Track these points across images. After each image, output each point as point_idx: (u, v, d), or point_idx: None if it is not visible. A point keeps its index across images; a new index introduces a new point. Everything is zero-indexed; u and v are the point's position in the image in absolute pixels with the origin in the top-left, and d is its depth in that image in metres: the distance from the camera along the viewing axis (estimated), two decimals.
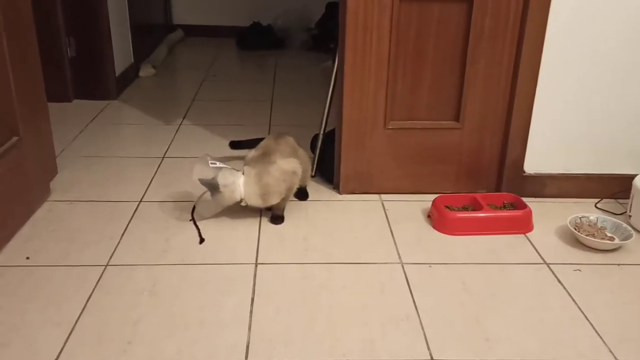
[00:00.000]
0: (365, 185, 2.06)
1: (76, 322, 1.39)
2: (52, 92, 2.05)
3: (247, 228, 1.83)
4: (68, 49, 2.89)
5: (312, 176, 2.19)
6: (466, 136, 2.00)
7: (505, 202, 1.94)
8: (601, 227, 1.83)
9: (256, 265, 1.64)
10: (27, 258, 1.63)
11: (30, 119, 1.83)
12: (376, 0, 1.81)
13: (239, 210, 1.93)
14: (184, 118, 2.81)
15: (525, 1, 1.83)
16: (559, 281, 1.62)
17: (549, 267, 1.68)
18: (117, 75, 3.10)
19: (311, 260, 1.68)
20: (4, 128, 1.70)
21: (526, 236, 1.84)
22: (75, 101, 2.97)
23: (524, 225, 1.85)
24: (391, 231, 1.84)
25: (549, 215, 1.94)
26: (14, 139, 1.74)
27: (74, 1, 2.84)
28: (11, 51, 1.70)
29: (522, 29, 1.86)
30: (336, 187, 2.09)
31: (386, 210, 1.97)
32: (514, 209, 1.90)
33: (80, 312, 1.43)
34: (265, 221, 1.88)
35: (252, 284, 1.56)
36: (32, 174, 1.86)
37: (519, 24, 1.86)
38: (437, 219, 1.86)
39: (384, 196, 2.06)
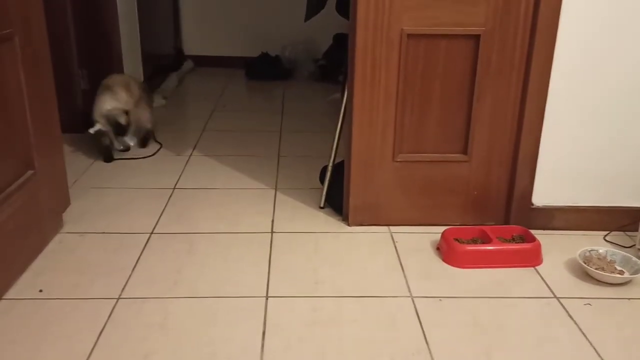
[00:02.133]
0: (374, 217, 2.07)
1: (88, 357, 1.40)
2: (64, 123, 2.09)
3: (257, 260, 1.85)
4: (81, 81, 2.95)
5: (321, 207, 2.21)
6: (474, 169, 2.02)
7: (514, 234, 1.95)
8: (610, 260, 1.83)
9: (267, 298, 1.65)
10: (40, 291, 1.65)
11: (45, 153, 1.86)
12: (384, 37, 1.85)
13: (249, 242, 1.95)
14: (194, 149, 2.84)
15: (531, 37, 1.87)
16: (569, 315, 1.61)
17: (558, 301, 1.68)
18: None
19: (321, 293, 1.69)
20: (20, 162, 1.74)
21: (535, 269, 1.84)
22: (87, 132, 3.01)
23: (533, 258, 1.86)
24: (400, 264, 1.85)
25: (558, 248, 1.95)
26: (29, 172, 1.78)
27: (88, 34, 2.91)
28: (28, 86, 1.74)
29: (528, 64, 1.89)
30: (345, 219, 2.11)
31: (395, 243, 1.98)
32: (523, 242, 1.91)
33: (92, 346, 1.44)
34: (275, 253, 1.89)
35: (262, 317, 1.57)
36: (46, 206, 1.89)
37: (526, 59, 1.89)
38: (447, 252, 1.87)
39: (392, 228, 2.07)
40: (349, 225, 2.08)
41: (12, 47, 1.66)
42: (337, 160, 2.20)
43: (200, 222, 2.09)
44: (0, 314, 1.55)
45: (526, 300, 1.69)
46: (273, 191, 2.36)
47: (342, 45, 4.07)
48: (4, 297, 1.61)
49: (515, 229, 1.97)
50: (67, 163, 2.09)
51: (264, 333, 1.50)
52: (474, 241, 1.92)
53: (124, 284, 1.70)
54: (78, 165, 2.57)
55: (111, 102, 2.55)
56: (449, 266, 1.84)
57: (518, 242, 1.92)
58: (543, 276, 1.80)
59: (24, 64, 1.72)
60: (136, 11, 3.33)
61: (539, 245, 1.87)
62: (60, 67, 2.66)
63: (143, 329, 1.51)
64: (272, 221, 2.11)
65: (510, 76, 1.91)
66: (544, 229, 2.05)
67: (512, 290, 1.73)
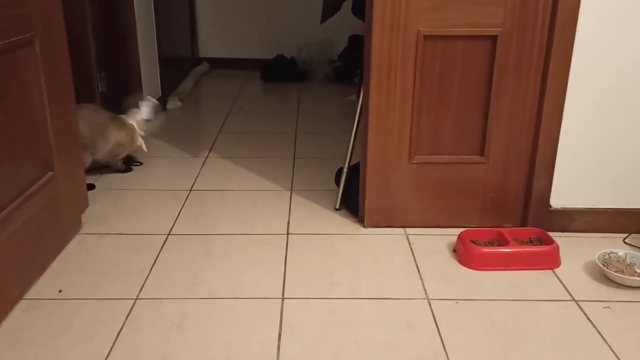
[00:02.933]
0: (390, 219, 2.07)
1: (107, 357, 1.41)
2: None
3: (272, 262, 1.85)
4: (99, 84, 2.98)
5: (336, 209, 2.21)
6: (491, 170, 2.01)
7: (531, 237, 1.93)
8: (630, 263, 1.81)
9: (283, 300, 1.66)
10: (60, 291, 1.67)
11: (64, 155, 1.88)
12: (401, 39, 1.85)
13: (265, 244, 1.96)
14: (210, 150, 2.86)
15: (549, 37, 1.85)
16: (588, 319, 1.60)
17: (577, 304, 1.66)
18: None
19: (337, 295, 1.69)
20: (40, 164, 1.76)
21: (554, 272, 1.82)
22: None
23: (551, 261, 1.84)
24: (417, 266, 1.84)
25: (577, 250, 1.93)
26: (49, 174, 1.80)
27: (106, 38, 2.94)
28: (49, 90, 1.77)
29: (546, 64, 1.88)
30: (361, 221, 2.10)
31: (411, 244, 1.97)
32: (541, 244, 1.89)
33: (111, 346, 1.45)
34: (290, 255, 1.90)
35: (279, 318, 1.58)
36: (65, 208, 1.91)
37: (544, 59, 1.88)
38: (463, 254, 1.86)
39: (408, 230, 2.06)
40: (364, 227, 2.08)
41: (33, 52, 1.69)
42: (353, 162, 2.19)
43: (216, 223, 2.11)
44: (21, 313, 1.57)
45: (544, 303, 1.67)
46: (289, 193, 2.37)
47: (357, 47, 4.08)
48: (24, 297, 1.64)
49: (533, 231, 1.96)
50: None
51: (279, 335, 1.51)
52: (491, 243, 1.91)
53: (141, 284, 1.71)
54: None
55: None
56: (466, 268, 1.83)
57: (536, 245, 1.90)
58: (561, 279, 1.78)
59: (45, 68, 1.74)
60: (153, 15, 3.36)
61: (557, 247, 1.85)
62: (79, 70, 2.69)
63: (161, 329, 1.52)
64: (288, 223, 2.11)
65: (528, 77, 1.90)
66: (562, 231, 2.03)
67: (530, 293, 1.71)
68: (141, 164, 2.62)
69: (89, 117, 2.37)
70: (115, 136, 2.45)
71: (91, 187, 2.34)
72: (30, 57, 1.68)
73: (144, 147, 2.56)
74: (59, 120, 1.84)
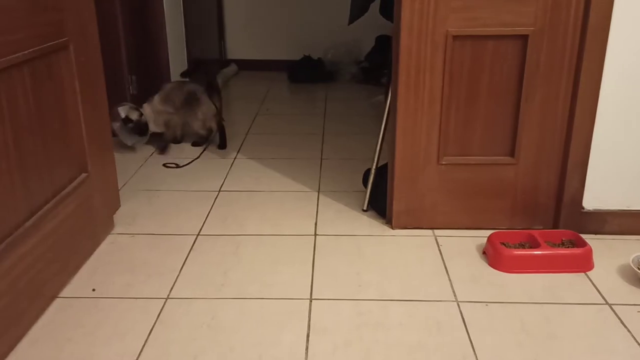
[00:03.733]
0: (418, 220, 2.06)
1: (139, 356, 1.44)
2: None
3: (300, 263, 1.86)
4: (130, 87, 3.03)
5: (364, 210, 2.21)
6: (521, 172, 1.98)
7: (563, 239, 1.90)
8: None
9: (311, 301, 1.66)
10: (93, 290, 1.71)
11: (97, 156, 1.92)
12: (429, 39, 1.84)
13: (293, 245, 1.97)
14: (238, 152, 2.88)
15: (582, 36, 1.82)
16: (622, 323, 1.56)
17: (611, 307, 1.63)
18: None
19: (366, 296, 1.69)
20: (74, 166, 1.80)
21: (586, 275, 1.79)
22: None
23: (584, 264, 1.81)
24: (445, 268, 1.83)
25: (610, 253, 1.89)
26: (83, 175, 1.84)
27: (137, 41, 3.00)
28: (82, 93, 1.81)
29: (579, 64, 1.85)
30: (389, 222, 2.10)
31: (440, 246, 1.96)
32: (573, 247, 1.86)
33: (142, 344, 1.48)
34: (318, 256, 1.90)
35: (307, 319, 1.58)
36: (98, 208, 1.95)
37: (576, 59, 1.85)
38: (493, 256, 1.84)
39: (437, 231, 2.05)
40: (392, 228, 2.07)
41: (68, 56, 1.73)
42: (381, 163, 2.19)
43: (245, 224, 2.12)
44: (56, 312, 1.61)
45: (577, 306, 1.64)
46: (316, 194, 2.38)
47: (384, 47, 4.07)
48: (59, 296, 1.68)
49: (565, 233, 1.92)
50: (117, 166, 2.15)
51: (308, 336, 1.51)
52: (522, 245, 1.88)
53: (172, 284, 1.74)
54: (127, 168, 2.64)
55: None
56: (496, 271, 1.81)
57: (568, 247, 1.87)
58: (594, 282, 1.75)
59: (79, 71, 1.78)
60: (182, 18, 3.41)
61: (590, 250, 1.82)
62: (111, 73, 2.74)
63: (191, 329, 1.54)
64: (315, 224, 2.12)
65: (560, 77, 1.87)
66: (595, 233, 1.99)
67: (561, 296, 1.69)
68: (177, 165, 2.67)
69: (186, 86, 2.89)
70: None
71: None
72: (65, 61, 1.72)
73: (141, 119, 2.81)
74: (92, 123, 1.88)
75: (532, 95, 1.89)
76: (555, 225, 2.03)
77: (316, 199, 2.33)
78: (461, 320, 1.58)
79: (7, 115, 1.44)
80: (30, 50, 1.53)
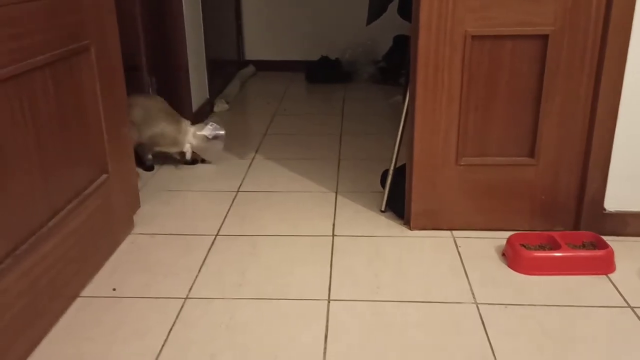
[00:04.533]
0: (437, 221, 2.05)
1: (158, 355, 1.45)
2: None
3: (318, 263, 1.86)
4: (150, 89, 3.06)
5: (382, 211, 2.20)
6: (541, 172, 1.96)
7: (584, 241, 1.88)
8: None
9: (329, 302, 1.66)
10: (114, 289, 1.73)
11: (117, 157, 1.95)
12: (448, 39, 1.83)
13: (310, 245, 1.97)
14: (256, 152, 2.90)
15: (603, 35, 1.79)
16: None
17: (633, 310, 1.61)
18: (193, 111, 3.24)
19: (383, 297, 1.68)
20: (95, 167, 1.83)
21: (608, 277, 1.76)
22: None
23: (605, 266, 1.78)
24: (464, 269, 1.82)
25: (632, 255, 1.86)
26: (104, 176, 1.86)
27: (156, 43, 3.02)
28: (103, 95, 1.83)
29: (600, 63, 1.82)
30: (407, 223, 2.09)
31: (458, 247, 1.95)
32: (595, 249, 1.83)
33: (162, 344, 1.49)
34: (336, 257, 1.90)
35: (325, 320, 1.58)
36: (118, 209, 1.97)
37: (597, 58, 1.82)
38: (513, 258, 1.82)
39: (455, 233, 2.04)
40: (410, 229, 2.07)
41: (89, 58, 1.75)
42: (399, 163, 2.18)
43: (263, 224, 2.13)
44: (77, 311, 1.64)
45: (598, 309, 1.62)
46: (334, 194, 2.38)
47: (402, 47, 4.05)
48: (80, 295, 1.70)
49: (585, 234, 1.90)
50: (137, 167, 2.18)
51: (326, 337, 1.52)
52: (542, 247, 1.86)
53: (191, 284, 1.75)
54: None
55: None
56: (515, 273, 1.79)
57: (589, 249, 1.84)
58: (616, 284, 1.73)
59: (100, 74, 1.81)
60: (201, 20, 3.43)
61: (612, 252, 1.79)
62: (131, 75, 2.77)
63: (210, 328, 1.55)
64: (333, 224, 2.12)
65: (581, 76, 1.84)
66: (616, 235, 1.96)
67: (582, 298, 1.67)
68: (206, 162, 2.75)
69: (144, 102, 2.64)
70: (162, 126, 2.61)
71: (150, 168, 2.66)
72: (86, 63, 1.75)
73: (188, 154, 2.67)
74: (112, 124, 1.90)
75: (552, 95, 1.87)
76: (575, 227, 2.00)
77: (334, 200, 2.33)
78: (480, 322, 1.57)
79: (29, 117, 1.46)
80: (51, 53, 1.55)
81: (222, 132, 2.68)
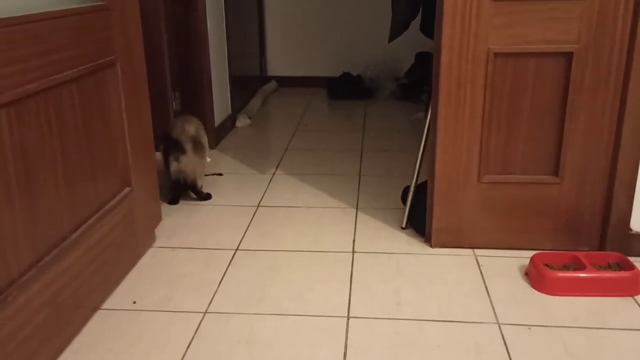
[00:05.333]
0: (458, 239, 2.03)
1: None
2: (156, 142, 2.20)
3: (338, 280, 1.85)
4: (173, 103, 3.11)
5: (402, 228, 2.19)
6: (565, 191, 1.93)
7: (610, 261, 1.84)
8: None
9: (348, 319, 1.65)
10: (134, 302, 1.74)
11: (140, 171, 1.97)
12: (470, 57, 1.82)
13: (330, 261, 1.96)
14: (277, 167, 2.91)
15: (629, 53, 1.77)
16: None
17: None
18: (215, 126, 3.28)
19: (403, 315, 1.66)
20: (119, 180, 1.85)
21: (634, 299, 1.72)
22: None
23: (631, 288, 1.74)
24: (486, 288, 1.79)
25: None
26: (127, 189, 1.89)
27: (181, 59, 3.07)
28: (128, 109, 1.86)
29: (626, 81, 1.80)
30: (428, 240, 2.07)
31: (480, 266, 1.92)
32: (620, 270, 1.79)
33: (181, 358, 1.49)
34: (356, 273, 1.89)
35: (344, 337, 1.57)
36: (140, 222, 1.99)
37: (622, 76, 1.80)
38: (536, 278, 1.79)
39: (477, 251, 2.01)
40: (431, 246, 2.05)
41: (115, 73, 1.79)
42: (420, 180, 2.17)
43: (283, 239, 2.13)
44: (98, 323, 1.65)
45: (624, 332, 1.58)
46: (354, 210, 2.37)
47: (424, 64, 4.05)
48: (101, 307, 1.72)
49: (611, 255, 1.86)
50: (159, 180, 2.20)
51: (345, 354, 1.50)
52: (566, 267, 1.83)
53: (210, 298, 1.76)
54: (168, 183, 2.69)
55: None
56: (539, 293, 1.76)
57: (615, 270, 1.80)
58: None
59: (125, 88, 1.84)
60: (225, 36, 3.48)
61: (638, 273, 1.75)
62: (155, 89, 2.82)
63: (228, 343, 1.55)
64: (354, 241, 2.11)
65: (606, 94, 1.82)
66: None
67: (608, 321, 1.63)
68: (221, 174, 2.78)
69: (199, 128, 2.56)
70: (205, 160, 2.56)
71: (209, 196, 2.51)
72: (112, 78, 1.78)
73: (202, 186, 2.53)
74: (136, 138, 1.93)
75: (576, 113, 1.85)
76: (601, 247, 1.96)
77: (354, 216, 2.32)
78: (502, 343, 1.54)
79: (55, 130, 1.49)
80: (80, 67, 1.58)
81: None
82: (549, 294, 1.75)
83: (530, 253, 1.88)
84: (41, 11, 1.44)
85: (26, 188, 1.37)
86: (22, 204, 1.36)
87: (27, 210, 1.38)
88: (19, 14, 1.35)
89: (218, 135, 3.32)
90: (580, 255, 1.83)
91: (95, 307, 1.70)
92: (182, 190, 2.48)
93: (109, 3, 1.74)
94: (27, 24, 1.37)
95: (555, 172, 1.92)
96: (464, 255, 1.99)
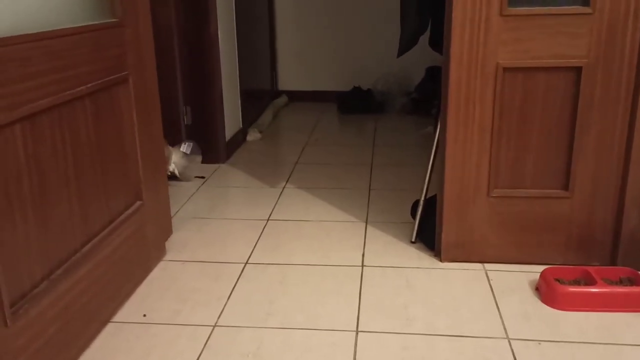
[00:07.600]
0: (468, 254, 2.02)
1: None
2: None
3: (347, 294, 1.85)
4: (184, 117, 3.14)
5: (412, 242, 2.19)
6: (576, 205, 1.92)
7: (621, 276, 1.82)
8: None
9: (357, 333, 1.65)
10: (144, 315, 1.75)
11: (151, 185, 1.99)
12: (479, 71, 1.83)
13: (340, 275, 1.96)
14: (287, 181, 2.92)
15: (638, 68, 1.77)
16: None
17: None
18: (226, 140, 3.30)
19: (412, 330, 1.66)
20: (130, 194, 1.87)
21: None
22: None
23: None
24: (496, 303, 1.78)
25: None
26: (138, 203, 1.91)
27: (192, 74, 3.10)
28: (140, 123, 1.89)
29: (636, 96, 1.79)
30: (437, 255, 2.07)
31: (490, 281, 1.91)
32: (632, 285, 1.78)
33: None
34: (365, 287, 1.89)
35: (352, 352, 1.57)
36: (151, 235, 2.01)
37: (632, 91, 1.80)
38: (546, 293, 1.78)
39: (487, 265, 2.00)
40: (441, 261, 2.04)
41: (127, 88, 1.82)
42: (430, 194, 2.17)
43: (292, 253, 2.14)
44: (109, 336, 1.66)
45: (635, 348, 1.56)
46: (364, 224, 2.37)
47: (434, 78, 4.05)
48: (112, 320, 1.73)
49: (623, 270, 1.84)
50: (170, 194, 2.21)
51: None
52: (577, 282, 1.82)
53: (220, 312, 1.76)
54: (180, 196, 2.72)
55: None
56: (549, 308, 1.75)
57: (626, 285, 1.79)
58: None
59: (137, 103, 1.86)
60: (236, 51, 3.52)
61: None
62: (167, 104, 2.85)
63: (238, 357, 1.55)
64: (363, 255, 2.11)
65: (616, 109, 1.82)
66: None
67: (620, 336, 1.61)
68: (203, 177, 2.96)
69: None
70: None
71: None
72: (124, 93, 1.81)
73: (176, 172, 2.89)
74: (148, 153, 1.95)
75: (586, 127, 1.85)
76: (612, 262, 1.95)
77: (364, 230, 2.32)
78: (512, 358, 1.53)
79: (69, 145, 1.52)
80: (92, 83, 1.61)
81: (197, 148, 3.02)
82: (559, 309, 1.73)
83: (541, 268, 1.87)
84: (55, 28, 1.47)
85: (39, 202, 1.40)
86: (35, 218, 1.38)
87: (40, 223, 1.40)
88: (33, 31, 1.38)
89: (229, 149, 3.34)
90: (591, 270, 1.82)
91: (106, 320, 1.71)
92: None
93: (122, 20, 1.78)
94: (42, 41, 1.40)
95: (566, 187, 1.91)
96: (474, 269, 1.98)
